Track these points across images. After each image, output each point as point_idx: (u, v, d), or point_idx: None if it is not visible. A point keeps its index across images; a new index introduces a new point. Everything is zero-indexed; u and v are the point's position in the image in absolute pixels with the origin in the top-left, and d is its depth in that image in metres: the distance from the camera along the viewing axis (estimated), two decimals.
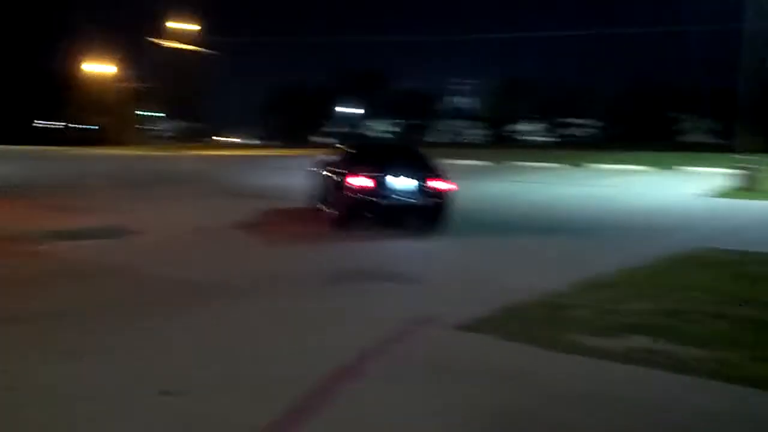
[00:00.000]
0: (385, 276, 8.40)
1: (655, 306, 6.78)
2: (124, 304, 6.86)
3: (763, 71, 23.34)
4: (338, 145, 16.15)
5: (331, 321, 6.39)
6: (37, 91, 75.55)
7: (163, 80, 59.01)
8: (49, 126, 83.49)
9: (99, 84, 74.10)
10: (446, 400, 4.51)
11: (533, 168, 33.33)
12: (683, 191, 21.39)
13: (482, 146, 76.79)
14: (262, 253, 10.34)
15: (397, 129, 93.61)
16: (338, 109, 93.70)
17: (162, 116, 64.49)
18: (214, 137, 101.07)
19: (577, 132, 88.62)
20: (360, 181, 11.98)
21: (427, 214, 12.24)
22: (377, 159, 12.92)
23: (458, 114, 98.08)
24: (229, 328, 6.18)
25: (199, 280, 8.03)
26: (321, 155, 15.62)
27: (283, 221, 13.90)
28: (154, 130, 68.07)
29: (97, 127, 78.53)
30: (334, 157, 14.31)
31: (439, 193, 12.21)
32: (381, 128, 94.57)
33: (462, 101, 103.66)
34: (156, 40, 58.28)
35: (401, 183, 12.08)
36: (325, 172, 14.03)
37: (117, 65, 72.54)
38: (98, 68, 71.35)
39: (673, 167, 31.13)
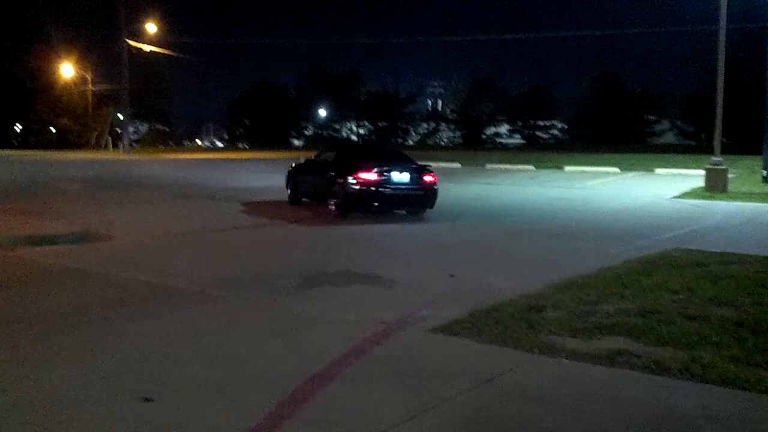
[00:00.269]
0: (358, 277, 8.33)
1: (630, 306, 6.80)
2: (97, 309, 6.71)
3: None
4: (322, 148, 18.94)
5: (306, 323, 6.31)
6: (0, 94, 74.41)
7: (129, 83, 58.31)
8: (15, 130, 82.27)
9: (62, 87, 73.10)
10: (421, 402, 4.45)
11: (505, 170, 33.45)
12: (656, 193, 21.59)
13: (451, 148, 77.04)
14: (250, 252, 10.22)
15: (366, 132, 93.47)
16: (320, 111, 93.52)
17: (129, 119, 63.69)
18: (184, 141, 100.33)
19: (547, 134, 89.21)
20: (369, 176, 14.52)
21: (421, 200, 15.18)
22: (373, 158, 15.83)
23: (428, 116, 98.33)
24: (206, 331, 6.07)
25: (175, 284, 7.90)
26: (300, 158, 18.37)
27: (275, 213, 13.80)
28: (119, 133, 67.31)
29: (54, 131, 77.40)
30: (317, 159, 17.44)
31: (428, 184, 15.09)
32: (351, 130, 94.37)
33: (431, 103, 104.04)
34: (123, 42, 57.52)
35: (400, 176, 14.81)
36: (312, 171, 16.95)
37: (80, 68, 71.63)
38: (61, 71, 70.37)
39: (646, 169, 31.42)
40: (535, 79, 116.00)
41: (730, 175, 22.31)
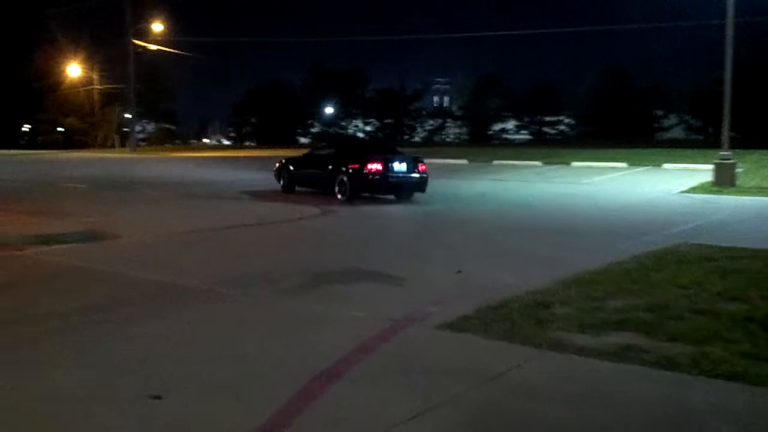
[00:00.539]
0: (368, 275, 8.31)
1: (639, 302, 6.76)
2: (104, 308, 6.71)
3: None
4: (315, 145, 22.42)
5: (313, 320, 6.29)
6: (7, 94, 74.53)
7: (135, 82, 58.34)
8: (22, 130, 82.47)
9: (68, 87, 73.19)
10: (428, 399, 4.43)
11: (512, 166, 33.37)
12: (664, 188, 21.53)
13: (458, 144, 76.85)
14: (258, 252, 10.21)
15: (373, 129, 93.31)
16: (326, 109, 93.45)
17: (136, 118, 63.73)
18: (191, 140, 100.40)
19: (554, 130, 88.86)
20: (376, 166, 17.32)
21: (416, 186, 18.05)
22: (374, 151, 18.63)
23: (435, 113, 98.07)
24: (213, 329, 6.07)
25: (182, 282, 7.90)
26: (282, 157, 21.66)
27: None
28: (127, 132, 67.41)
29: (62, 129, 77.56)
30: (314, 154, 20.42)
31: (421, 171, 17.97)
32: (358, 128, 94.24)
33: (438, 100, 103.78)
34: (129, 42, 57.58)
35: (399, 166, 17.69)
36: (312, 165, 19.58)
37: (87, 67, 71.73)
38: (68, 71, 70.46)
39: (653, 164, 31.28)
40: (541, 74, 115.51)
41: (738, 170, 22.21)
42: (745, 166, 26.27)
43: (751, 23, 41.06)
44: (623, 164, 31.37)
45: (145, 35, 59.44)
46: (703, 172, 24.53)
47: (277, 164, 21.05)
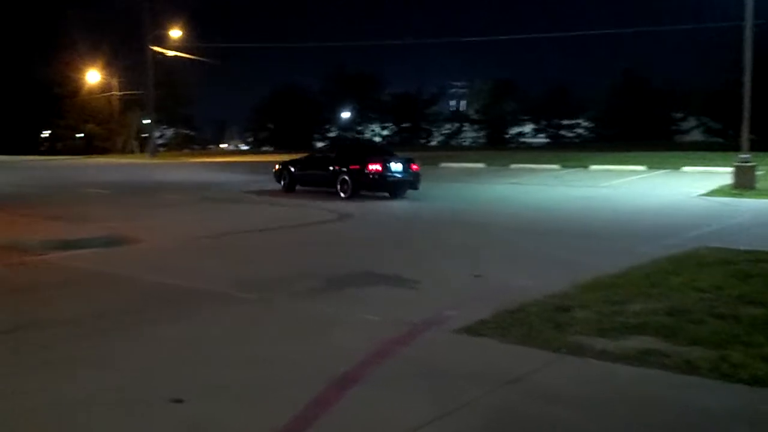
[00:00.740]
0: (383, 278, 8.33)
1: (658, 306, 6.72)
2: (124, 312, 6.78)
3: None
4: (316, 148, 24.03)
5: (330, 324, 6.31)
6: (28, 100, 75.24)
7: (153, 88, 58.70)
8: (42, 136, 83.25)
9: (88, 93, 73.79)
10: (446, 404, 4.43)
11: (529, 169, 33.25)
12: (683, 191, 21.34)
13: (475, 148, 76.67)
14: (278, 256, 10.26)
15: (390, 133, 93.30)
16: (342, 114, 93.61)
17: (155, 124, 64.13)
18: (209, 145, 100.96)
19: (572, 133, 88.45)
20: (376, 166, 19.04)
21: (409, 184, 19.71)
22: (372, 152, 20.57)
23: (451, 117, 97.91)
24: (231, 333, 6.11)
25: (200, 287, 7.94)
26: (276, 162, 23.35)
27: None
28: (146, 138, 67.84)
29: (82, 135, 78.19)
30: (316, 156, 22.31)
31: (414, 171, 19.84)
32: (375, 132, 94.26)
33: (454, 104, 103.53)
34: (147, 48, 57.96)
35: (396, 166, 19.48)
36: (314, 166, 21.10)
37: (106, 74, 72.29)
38: (87, 77, 71.05)
39: (672, 167, 31.05)
40: (558, 77, 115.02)
41: (758, 172, 21.96)
42: (765, 168, 26.02)
43: None
44: (642, 167, 31.14)
45: (164, 41, 59.82)
46: (722, 174, 24.30)
47: (277, 166, 22.62)
